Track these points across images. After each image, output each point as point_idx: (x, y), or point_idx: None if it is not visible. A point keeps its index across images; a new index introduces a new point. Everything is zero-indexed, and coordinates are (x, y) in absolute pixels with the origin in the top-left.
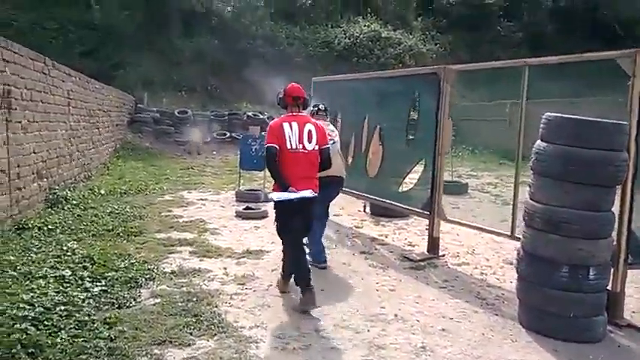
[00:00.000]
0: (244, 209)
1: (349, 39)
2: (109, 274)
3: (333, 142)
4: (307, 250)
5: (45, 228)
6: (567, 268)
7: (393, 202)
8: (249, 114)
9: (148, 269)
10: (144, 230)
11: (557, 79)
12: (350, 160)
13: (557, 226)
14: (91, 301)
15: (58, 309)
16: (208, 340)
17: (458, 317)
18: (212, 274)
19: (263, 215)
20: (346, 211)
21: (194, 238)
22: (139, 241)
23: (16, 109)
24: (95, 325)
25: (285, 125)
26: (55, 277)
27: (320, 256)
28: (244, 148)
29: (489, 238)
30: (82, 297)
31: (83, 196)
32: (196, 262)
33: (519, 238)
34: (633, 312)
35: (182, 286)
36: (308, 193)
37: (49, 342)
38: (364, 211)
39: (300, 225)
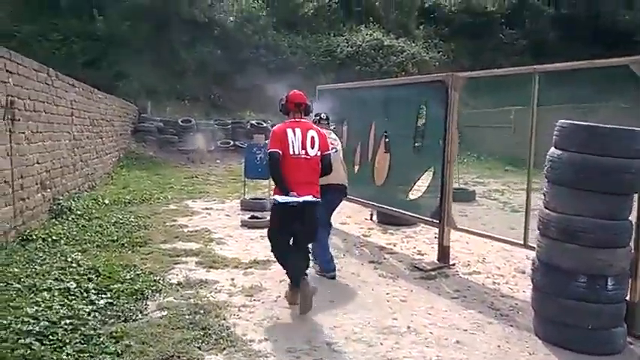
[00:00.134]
0: (250, 218)
1: (352, 47)
2: (115, 285)
3: (335, 151)
4: (312, 263)
5: (49, 239)
6: (584, 278)
7: (402, 211)
8: (253, 122)
9: (154, 281)
10: (149, 240)
11: (559, 86)
12: (357, 168)
13: (573, 235)
14: (97, 314)
15: (63, 323)
16: (217, 355)
17: (472, 329)
18: (219, 286)
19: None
20: (353, 219)
21: (200, 248)
22: (144, 251)
23: (19, 119)
24: (101, 340)
25: (289, 131)
26: (60, 289)
27: (328, 265)
28: (249, 157)
29: (499, 246)
30: (87, 310)
31: (87, 206)
32: (203, 272)
33: (532, 246)
34: None
35: (189, 298)
36: (310, 198)
37: (54, 358)
38: (371, 219)
39: (298, 231)
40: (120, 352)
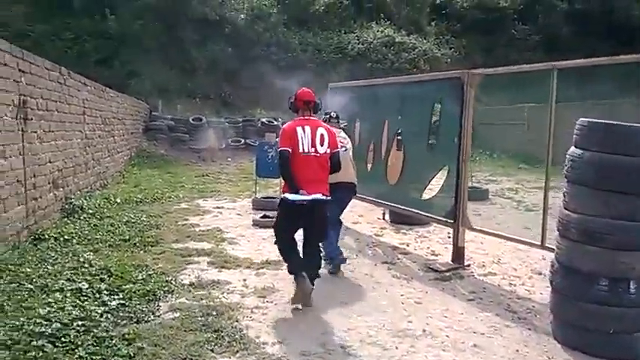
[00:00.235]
0: (261, 217)
1: (363, 44)
2: (127, 286)
3: (345, 150)
4: (324, 263)
5: (61, 238)
6: (606, 281)
7: (415, 210)
8: (264, 120)
9: (166, 281)
10: (160, 240)
11: (577, 83)
12: (369, 166)
13: (594, 236)
14: (109, 315)
15: (75, 324)
16: (230, 358)
17: (489, 332)
18: (231, 286)
19: None
20: (365, 218)
21: (212, 248)
22: (155, 251)
23: (32, 119)
24: (114, 342)
25: (299, 129)
26: (72, 290)
27: (335, 253)
28: (260, 155)
29: (514, 246)
30: (99, 311)
31: (99, 205)
32: (215, 273)
33: (550, 248)
34: None
35: (201, 299)
36: (320, 196)
37: None
38: (383, 218)
39: (309, 230)
40: (132, 355)
